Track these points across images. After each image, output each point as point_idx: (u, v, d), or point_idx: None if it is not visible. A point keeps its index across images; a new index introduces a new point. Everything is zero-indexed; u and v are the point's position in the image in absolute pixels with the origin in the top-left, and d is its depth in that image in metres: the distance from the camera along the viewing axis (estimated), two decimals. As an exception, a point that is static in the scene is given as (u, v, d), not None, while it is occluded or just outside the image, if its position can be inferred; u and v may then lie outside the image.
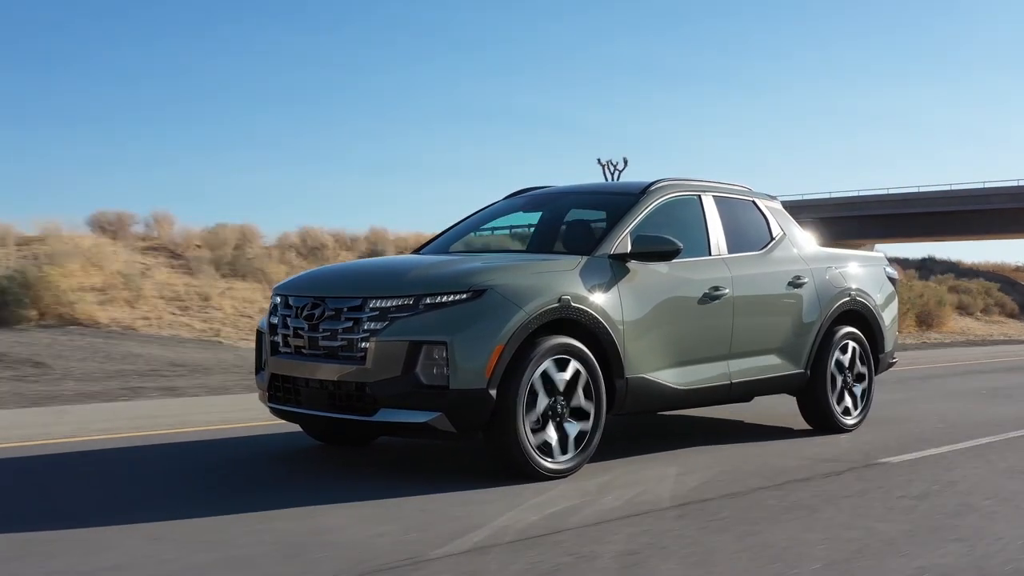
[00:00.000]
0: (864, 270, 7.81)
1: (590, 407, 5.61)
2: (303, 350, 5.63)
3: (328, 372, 5.45)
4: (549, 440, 5.44)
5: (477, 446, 5.61)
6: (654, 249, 6.05)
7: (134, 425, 7.63)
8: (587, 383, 5.58)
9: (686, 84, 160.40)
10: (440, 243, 7.16)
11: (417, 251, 7.19)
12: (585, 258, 5.87)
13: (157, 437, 7.01)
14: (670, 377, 6.13)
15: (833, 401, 7.28)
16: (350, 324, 5.42)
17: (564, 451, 5.50)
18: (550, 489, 5.18)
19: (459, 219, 7.34)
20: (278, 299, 5.95)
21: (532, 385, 5.34)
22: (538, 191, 7.43)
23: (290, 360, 5.70)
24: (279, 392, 5.82)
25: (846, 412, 7.40)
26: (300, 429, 6.57)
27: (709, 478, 5.56)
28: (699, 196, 6.82)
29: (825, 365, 7.20)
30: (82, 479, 5.57)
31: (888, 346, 7.93)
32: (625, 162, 36.64)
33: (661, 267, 6.15)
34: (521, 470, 5.36)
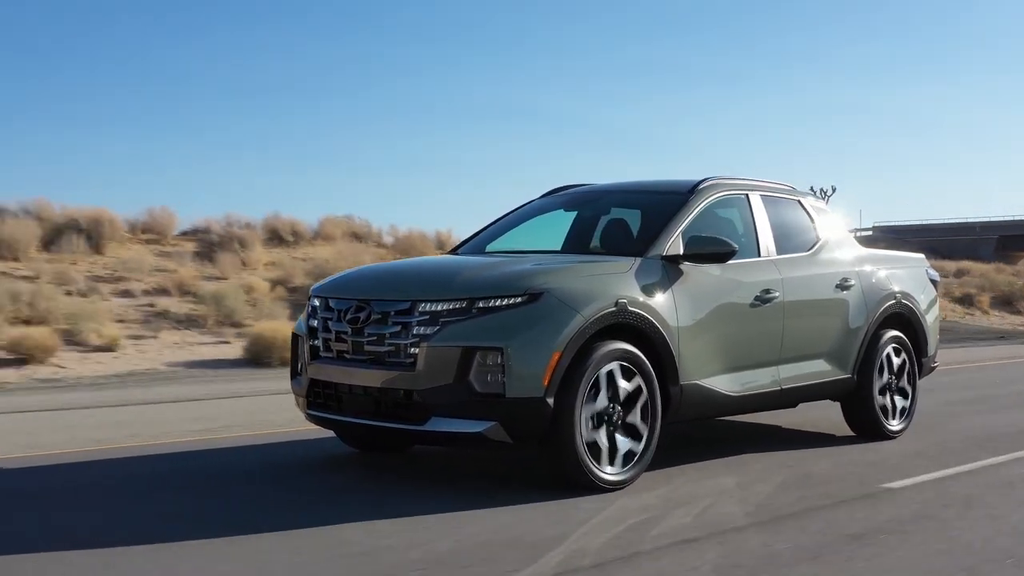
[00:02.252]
0: (907, 272, 7.58)
1: (645, 416, 5.35)
2: (346, 355, 5.34)
3: (374, 378, 5.16)
4: (603, 450, 5.17)
5: (508, 454, 5.35)
6: (709, 250, 5.79)
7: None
8: (643, 391, 5.32)
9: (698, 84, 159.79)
10: (476, 243, 6.87)
11: (453, 251, 6.90)
12: (639, 260, 5.60)
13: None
14: (723, 383, 5.88)
15: (879, 407, 7.04)
16: (398, 328, 5.13)
17: (619, 462, 5.24)
18: (610, 503, 4.91)
19: (495, 218, 7.05)
20: (317, 301, 5.66)
21: (588, 393, 5.07)
22: (577, 189, 7.15)
23: (332, 365, 5.41)
24: (319, 399, 5.53)
25: (892, 418, 7.16)
26: (333, 435, 6.28)
27: (772, 489, 5.31)
28: (747, 195, 6.56)
29: (872, 370, 6.96)
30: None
31: (931, 350, 7.70)
32: (833, 189, 35.61)
33: (713, 269, 5.89)
34: (577, 482, 5.09)
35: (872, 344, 6.98)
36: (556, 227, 6.97)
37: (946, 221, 79.22)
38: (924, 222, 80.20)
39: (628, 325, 5.29)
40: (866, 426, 7.08)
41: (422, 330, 5.04)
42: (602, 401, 5.12)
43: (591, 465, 5.08)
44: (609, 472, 5.17)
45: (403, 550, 4.05)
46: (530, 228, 6.92)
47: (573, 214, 6.88)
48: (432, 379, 4.97)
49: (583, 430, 5.04)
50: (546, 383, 4.92)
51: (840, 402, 7.11)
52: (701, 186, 6.29)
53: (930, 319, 7.67)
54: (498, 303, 5.03)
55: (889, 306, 7.15)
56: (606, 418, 5.16)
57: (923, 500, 5.12)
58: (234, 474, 5.70)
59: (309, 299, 5.82)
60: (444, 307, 5.05)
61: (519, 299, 5.03)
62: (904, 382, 7.28)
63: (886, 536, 4.37)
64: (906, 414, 7.31)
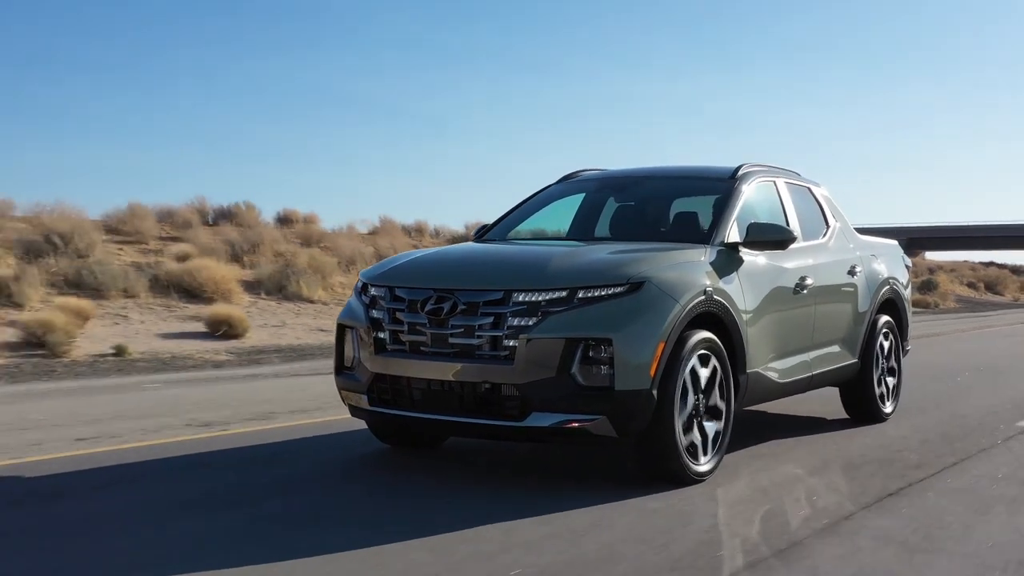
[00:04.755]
0: (891, 258, 7.84)
1: (723, 405, 5.30)
2: (424, 348, 5.02)
3: (462, 373, 4.88)
4: (695, 441, 5.10)
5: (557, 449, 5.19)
6: (771, 238, 5.79)
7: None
8: (718, 379, 5.27)
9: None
10: (500, 229, 6.64)
11: (480, 236, 6.62)
12: (707, 247, 5.53)
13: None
14: (773, 369, 5.91)
15: (878, 392, 7.26)
16: (489, 320, 4.87)
17: (706, 452, 5.17)
18: (703, 494, 4.83)
19: (516, 203, 6.81)
20: (377, 290, 5.30)
21: (683, 383, 4.98)
22: (607, 174, 7.00)
23: (404, 359, 5.07)
24: (384, 395, 5.19)
25: (884, 400, 7.40)
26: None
27: (844, 475, 5.37)
28: (775, 182, 6.61)
29: (872, 355, 7.17)
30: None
31: (908, 333, 8.01)
32: None
33: (762, 256, 5.90)
34: (674, 474, 4.99)
35: (871, 329, 7.19)
36: (577, 213, 6.84)
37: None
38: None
39: (711, 314, 5.22)
40: (864, 409, 7.28)
41: (519, 321, 4.80)
42: (690, 391, 5.04)
43: (686, 457, 4.99)
44: (699, 463, 5.10)
45: (545, 551, 3.84)
46: (555, 213, 6.74)
47: (607, 199, 6.74)
48: (532, 373, 4.74)
49: (679, 422, 4.94)
50: (652, 374, 4.78)
51: (839, 387, 7.27)
52: (741, 172, 6.28)
53: (908, 303, 7.97)
54: (601, 293, 4.84)
55: (884, 292, 7.39)
56: (694, 409, 5.07)
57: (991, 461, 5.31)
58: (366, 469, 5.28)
59: (364, 288, 5.44)
60: (543, 297, 4.82)
61: (622, 288, 4.86)
62: (892, 366, 7.54)
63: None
64: (896, 397, 7.57)
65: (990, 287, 55.57)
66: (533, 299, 4.82)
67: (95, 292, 15.13)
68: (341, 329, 5.54)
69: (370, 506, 4.68)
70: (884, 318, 7.39)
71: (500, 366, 4.80)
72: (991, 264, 71.41)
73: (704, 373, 5.15)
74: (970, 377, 10.63)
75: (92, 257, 16.46)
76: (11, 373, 10.49)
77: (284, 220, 25.66)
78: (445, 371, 4.93)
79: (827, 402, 7.71)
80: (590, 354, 4.73)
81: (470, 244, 6.27)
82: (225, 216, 24.20)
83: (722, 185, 6.16)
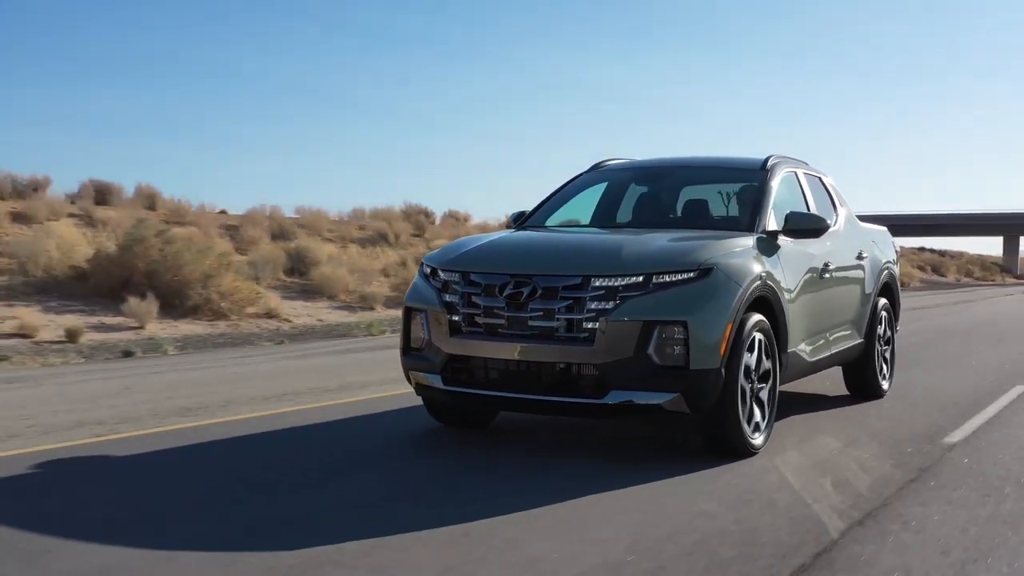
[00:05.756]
0: (886, 243, 8.33)
1: (771, 382, 5.67)
2: (501, 330, 5.27)
3: (541, 353, 5.15)
4: (754, 416, 5.45)
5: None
6: (809, 226, 6.18)
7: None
8: (766, 358, 5.63)
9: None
10: (539, 216, 6.88)
11: (520, 225, 6.84)
12: (754, 235, 5.88)
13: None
14: (804, 351, 6.29)
15: (878, 368, 7.73)
16: (568, 303, 5.14)
17: (760, 427, 5.54)
18: (765, 466, 5.20)
19: (551, 192, 7.07)
20: (448, 274, 5.52)
21: (744, 362, 5.32)
22: (639, 164, 7.29)
23: (479, 341, 5.32)
24: (460, 375, 5.43)
25: (884, 378, 7.88)
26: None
27: (882, 446, 5.77)
28: (796, 172, 6.99)
29: (874, 335, 7.64)
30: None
31: (899, 315, 8.51)
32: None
33: (793, 243, 6.27)
34: (735, 448, 5.34)
35: (874, 311, 7.65)
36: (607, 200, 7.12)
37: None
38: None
39: (763, 298, 5.57)
40: (865, 387, 7.74)
41: (598, 305, 5.08)
42: (751, 370, 5.39)
43: (746, 431, 5.35)
44: (755, 437, 5.46)
45: (663, 522, 4.15)
46: (587, 202, 7.02)
47: (642, 188, 7.03)
48: (612, 353, 5.03)
49: (741, 398, 5.29)
50: (722, 354, 5.12)
51: (844, 365, 7.71)
52: (769, 163, 6.64)
53: (899, 287, 8.47)
54: (675, 278, 5.15)
55: (884, 275, 7.88)
56: (751, 386, 5.43)
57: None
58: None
59: (432, 272, 5.65)
60: (620, 282, 5.11)
61: (693, 274, 5.18)
62: (887, 344, 8.03)
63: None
64: (891, 375, 8.07)
65: (935, 269, 62.68)
66: (611, 284, 5.11)
67: None
68: (408, 311, 5.74)
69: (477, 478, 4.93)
70: (883, 300, 7.86)
71: (580, 347, 5.08)
72: (923, 249, 76.20)
73: (756, 353, 5.50)
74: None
75: None
76: None
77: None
78: (524, 352, 5.19)
79: (822, 378, 8.14)
80: (665, 335, 5.04)
81: (532, 232, 6.45)
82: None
83: (754, 176, 6.52)
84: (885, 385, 7.91)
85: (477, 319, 5.36)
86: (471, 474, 5.08)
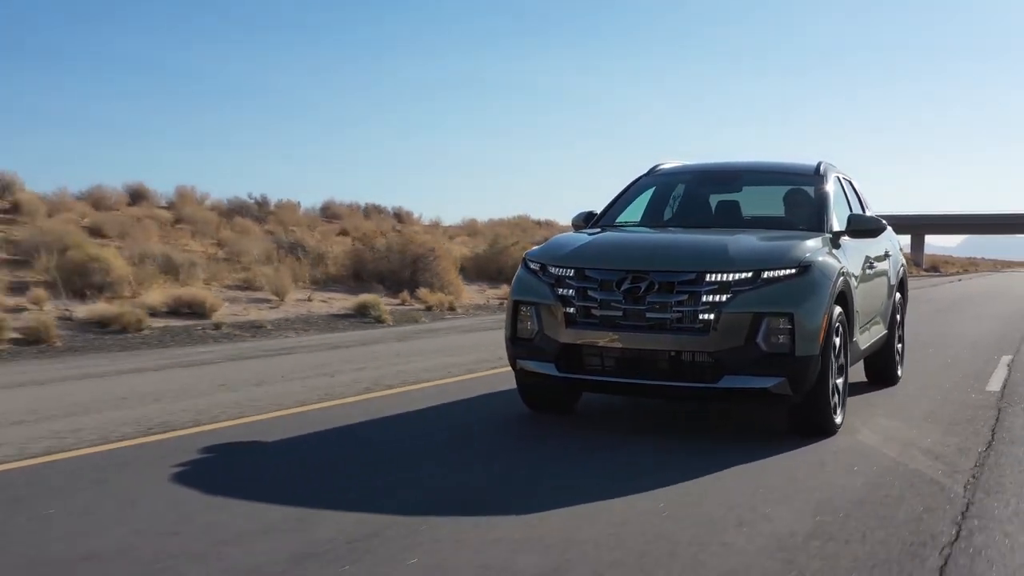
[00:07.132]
0: (896, 239, 9.04)
1: (844, 368, 6.27)
2: (619, 322, 5.75)
3: (658, 342, 5.66)
4: (837, 399, 6.05)
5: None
6: (870, 227, 6.83)
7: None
8: (842, 347, 6.22)
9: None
10: (609, 217, 7.35)
11: (595, 223, 7.28)
12: (823, 235, 6.46)
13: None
14: (859, 340, 6.92)
15: (896, 356, 8.44)
16: (684, 296, 5.64)
17: (839, 409, 6.13)
18: (849, 446, 5.79)
19: (616, 194, 7.56)
20: (561, 271, 5.96)
21: (833, 349, 5.91)
22: (701, 167, 7.83)
23: (596, 331, 5.79)
24: (574, 363, 5.89)
25: (900, 365, 8.60)
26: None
27: (937, 425, 6.42)
28: (839, 176, 7.62)
29: (895, 327, 8.34)
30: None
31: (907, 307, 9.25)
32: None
33: (850, 242, 6.87)
34: (824, 428, 5.95)
35: (894, 303, 8.35)
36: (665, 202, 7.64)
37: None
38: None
39: (843, 293, 6.16)
40: (885, 374, 8.43)
41: (714, 298, 5.61)
42: (839, 356, 5.99)
43: (833, 412, 5.94)
44: (838, 417, 6.06)
45: (794, 498, 4.69)
46: (656, 203, 7.54)
47: (704, 191, 7.56)
48: (725, 342, 5.57)
49: (831, 382, 5.88)
50: (820, 342, 5.69)
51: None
52: (821, 168, 7.27)
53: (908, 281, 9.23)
54: (780, 274, 5.71)
55: (900, 270, 8.62)
56: (836, 371, 6.02)
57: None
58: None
59: (541, 268, 6.07)
60: (732, 278, 5.64)
61: (795, 270, 5.74)
62: (902, 334, 8.75)
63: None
64: (902, 362, 8.80)
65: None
66: (724, 279, 5.64)
67: None
68: (516, 305, 6.17)
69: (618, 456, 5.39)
70: (898, 294, 8.57)
71: (694, 336, 5.60)
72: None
73: (836, 341, 6.09)
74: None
75: None
76: None
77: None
78: (639, 341, 5.69)
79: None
80: (773, 326, 5.60)
81: (638, 232, 6.95)
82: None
83: (812, 180, 7.14)
84: (900, 372, 8.61)
85: (593, 311, 5.83)
86: (631, 449, 5.57)
